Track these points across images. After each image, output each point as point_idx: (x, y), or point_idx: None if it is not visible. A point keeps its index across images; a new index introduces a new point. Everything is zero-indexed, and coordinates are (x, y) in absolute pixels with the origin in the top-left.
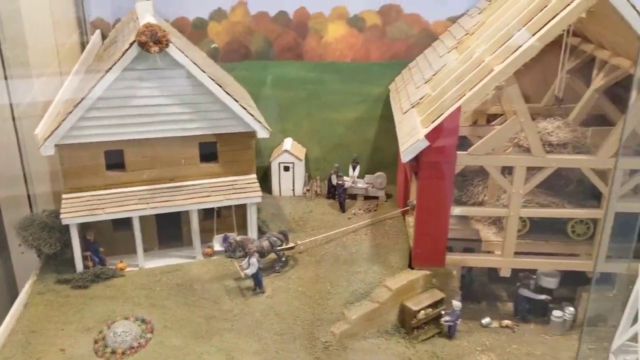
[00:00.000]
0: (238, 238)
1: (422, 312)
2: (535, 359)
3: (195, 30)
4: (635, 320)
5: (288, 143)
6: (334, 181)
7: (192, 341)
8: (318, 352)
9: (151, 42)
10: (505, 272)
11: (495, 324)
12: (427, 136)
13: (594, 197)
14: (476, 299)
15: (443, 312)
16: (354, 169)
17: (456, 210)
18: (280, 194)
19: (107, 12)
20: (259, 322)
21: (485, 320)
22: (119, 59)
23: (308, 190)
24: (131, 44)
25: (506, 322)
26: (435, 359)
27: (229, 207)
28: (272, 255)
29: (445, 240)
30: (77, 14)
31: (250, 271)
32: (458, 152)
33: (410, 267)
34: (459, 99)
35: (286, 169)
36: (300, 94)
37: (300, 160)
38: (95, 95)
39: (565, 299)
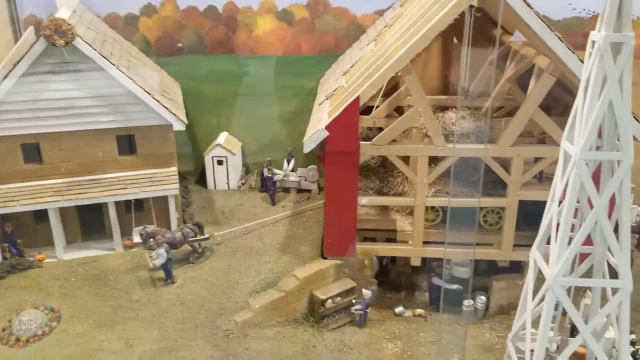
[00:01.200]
0: (149, 229)
1: (330, 300)
2: (439, 347)
3: (127, 25)
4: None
5: (222, 137)
6: (266, 174)
7: (96, 329)
8: (218, 340)
9: (56, 35)
10: (415, 261)
11: (408, 313)
12: (328, 127)
13: (503, 186)
14: (395, 289)
15: (354, 301)
16: (288, 163)
17: (363, 201)
18: (215, 188)
19: (40, 9)
20: (164, 311)
21: (399, 309)
22: (25, 53)
23: (243, 184)
24: (38, 38)
25: (419, 311)
26: (342, 346)
27: (153, 199)
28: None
29: (354, 230)
30: (10, 12)
31: (159, 262)
32: (361, 142)
33: (323, 257)
34: (359, 90)
35: (220, 162)
36: (235, 88)
37: (234, 154)
38: (3, 90)
39: (483, 289)
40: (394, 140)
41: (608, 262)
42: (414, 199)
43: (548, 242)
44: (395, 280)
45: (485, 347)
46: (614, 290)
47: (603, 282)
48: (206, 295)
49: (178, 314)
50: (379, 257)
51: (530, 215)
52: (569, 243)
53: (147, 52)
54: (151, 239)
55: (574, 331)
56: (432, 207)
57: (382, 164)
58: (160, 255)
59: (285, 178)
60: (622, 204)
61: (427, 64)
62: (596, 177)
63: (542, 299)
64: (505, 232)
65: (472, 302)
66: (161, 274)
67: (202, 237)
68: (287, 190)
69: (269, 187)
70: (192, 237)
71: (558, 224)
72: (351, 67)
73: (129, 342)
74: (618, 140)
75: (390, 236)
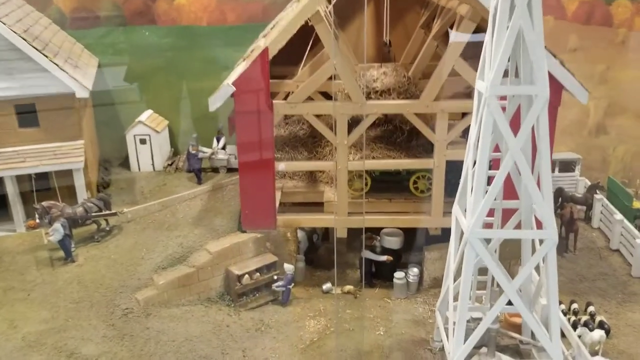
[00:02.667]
0: (45, 204)
1: (247, 276)
2: (364, 322)
3: None
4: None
5: (145, 114)
6: (191, 151)
7: None
8: (115, 319)
9: None
10: (341, 233)
11: (337, 291)
12: (235, 82)
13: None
14: (325, 266)
15: (275, 277)
16: (218, 141)
17: (280, 166)
18: (139, 170)
19: None
20: (59, 291)
21: (326, 286)
22: None
23: (170, 164)
24: None
25: (348, 287)
26: (260, 325)
27: (59, 175)
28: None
29: (273, 200)
30: None
31: (54, 238)
32: (275, 101)
33: (242, 230)
34: (267, 42)
35: (142, 141)
36: (158, 62)
37: (157, 131)
38: None
39: (418, 263)
40: (311, 99)
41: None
42: (335, 162)
43: None
44: (325, 257)
45: (416, 322)
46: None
47: (522, 232)
48: (107, 273)
49: (73, 293)
50: (308, 233)
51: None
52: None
53: (62, 25)
54: (48, 215)
55: None
56: (360, 175)
57: (311, 134)
58: (56, 231)
59: (213, 156)
60: (541, 144)
61: (359, 34)
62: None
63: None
64: (435, 196)
65: (403, 274)
66: (62, 253)
67: (108, 212)
68: (216, 170)
69: (192, 165)
70: (95, 212)
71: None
72: (271, 29)
73: (13, 324)
74: None
75: (319, 209)
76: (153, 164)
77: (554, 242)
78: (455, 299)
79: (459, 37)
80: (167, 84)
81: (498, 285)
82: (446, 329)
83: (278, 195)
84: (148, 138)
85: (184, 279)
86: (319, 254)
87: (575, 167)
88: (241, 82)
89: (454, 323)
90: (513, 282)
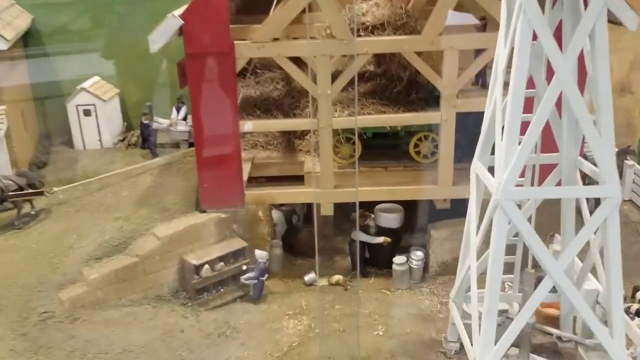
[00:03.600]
0: None
1: (208, 267)
2: (358, 320)
3: None
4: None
5: (89, 81)
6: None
7: None
8: (28, 327)
9: None
10: (326, 210)
11: (323, 282)
12: (184, 15)
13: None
14: (306, 252)
15: (245, 268)
16: (178, 111)
17: (246, 126)
18: (84, 147)
19: None
20: None
21: (309, 276)
22: None
23: (122, 140)
24: None
25: (336, 277)
26: (225, 329)
27: None
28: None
29: (239, 170)
30: None
31: None
32: (236, 41)
33: (201, 210)
34: None
35: (86, 113)
36: (105, 19)
37: (104, 101)
38: None
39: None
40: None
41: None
42: (316, 119)
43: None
44: (307, 242)
45: (423, 317)
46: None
47: (577, 190)
48: (24, 268)
49: None
50: (286, 213)
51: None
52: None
53: None
54: None
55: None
56: (349, 139)
57: (288, 93)
58: None
59: (172, 128)
60: (599, 65)
61: None
62: None
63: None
64: (442, 159)
65: (404, 259)
66: None
67: (31, 191)
68: (176, 145)
69: (145, 137)
70: (14, 191)
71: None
72: None
73: None
74: None
75: (299, 184)
76: (100, 140)
77: (617, 201)
78: (478, 286)
79: None
80: (116, 46)
81: (534, 264)
82: (466, 326)
83: (247, 167)
84: (93, 108)
85: (125, 272)
86: (300, 239)
87: None
88: (191, 14)
89: (479, 318)
90: (560, 259)
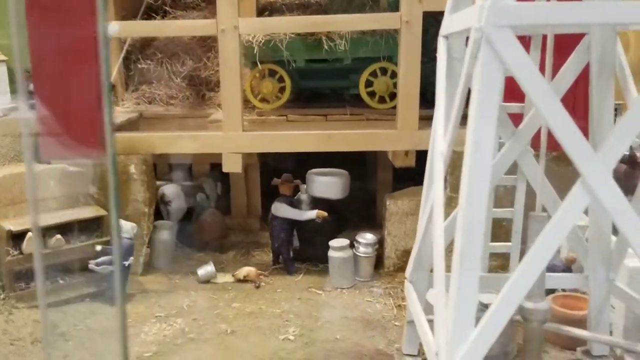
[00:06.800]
0: None
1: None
2: (260, 321)
3: None
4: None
5: None
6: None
7: None
8: None
9: None
10: (232, 165)
11: (226, 278)
12: None
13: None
14: (208, 244)
15: (100, 248)
16: None
17: (111, 28)
18: None
19: None
20: None
21: (205, 270)
22: None
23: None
24: None
25: (246, 270)
26: (49, 335)
27: None
28: None
29: (99, 100)
30: None
31: None
32: None
33: (41, 160)
34: None
35: None
36: None
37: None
38: None
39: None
40: None
41: None
42: (215, 20)
43: None
44: (212, 226)
45: (367, 322)
46: None
47: None
48: None
49: None
50: (187, 189)
51: None
52: None
53: None
54: None
55: None
56: (273, 72)
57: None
58: None
59: None
60: None
61: None
62: None
63: None
64: (402, 89)
65: (346, 243)
66: None
67: None
68: None
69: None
70: None
71: None
72: None
73: None
74: None
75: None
76: None
77: None
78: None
79: None
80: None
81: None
82: (430, 324)
83: (126, 115)
84: None
85: None
86: (202, 223)
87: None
88: None
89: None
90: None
